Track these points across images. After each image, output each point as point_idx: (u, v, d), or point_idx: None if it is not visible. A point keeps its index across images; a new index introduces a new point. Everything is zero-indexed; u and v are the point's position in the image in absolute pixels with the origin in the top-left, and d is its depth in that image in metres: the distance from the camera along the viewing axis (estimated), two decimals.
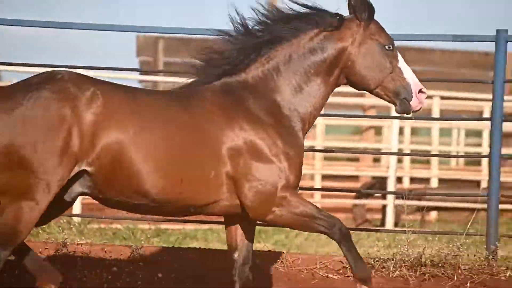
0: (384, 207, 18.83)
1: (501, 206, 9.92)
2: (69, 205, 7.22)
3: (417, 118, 20.71)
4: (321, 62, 7.47)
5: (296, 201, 7.21)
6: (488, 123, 9.95)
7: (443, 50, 24.46)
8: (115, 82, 7.43)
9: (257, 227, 12.92)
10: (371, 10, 7.42)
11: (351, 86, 7.67)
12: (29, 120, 6.87)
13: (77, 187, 6.99)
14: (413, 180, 20.86)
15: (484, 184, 18.26)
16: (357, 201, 19.81)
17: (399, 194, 16.18)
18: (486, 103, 18.69)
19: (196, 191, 7.18)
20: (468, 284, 8.89)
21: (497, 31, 9.68)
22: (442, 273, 9.07)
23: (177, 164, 7.14)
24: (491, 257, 9.41)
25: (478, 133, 24.42)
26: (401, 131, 19.94)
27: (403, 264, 9.20)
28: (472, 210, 17.28)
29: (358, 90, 7.70)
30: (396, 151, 18.37)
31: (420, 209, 17.98)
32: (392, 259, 9.33)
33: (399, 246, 9.56)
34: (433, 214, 19.38)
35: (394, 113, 7.99)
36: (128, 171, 7.01)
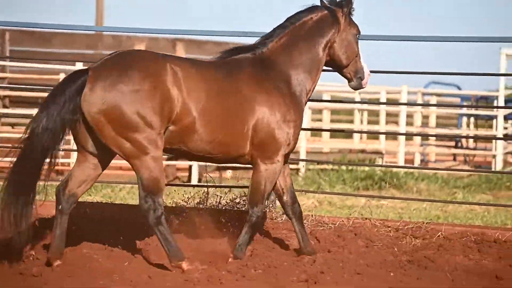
0: (190, 167, 18.97)
1: None
2: None
3: None
4: (321, 39, 7.73)
5: (279, 168, 7.46)
6: None
7: (234, 43, 24.68)
8: (177, 55, 7.42)
9: None
10: (352, 5, 7.79)
11: (327, 64, 7.89)
12: (129, 94, 6.82)
13: None
14: None
15: None
16: (168, 162, 19.89)
17: None
18: None
19: (237, 144, 7.32)
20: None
21: None
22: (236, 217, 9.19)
23: (228, 123, 7.24)
24: (271, 205, 9.64)
25: None
26: None
27: (205, 212, 9.32)
28: None
29: (332, 67, 7.95)
30: None
31: (218, 168, 18.28)
32: (195, 207, 9.42)
33: (200, 198, 9.72)
34: (229, 172, 19.61)
35: None
36: (195, 128, 7.09)
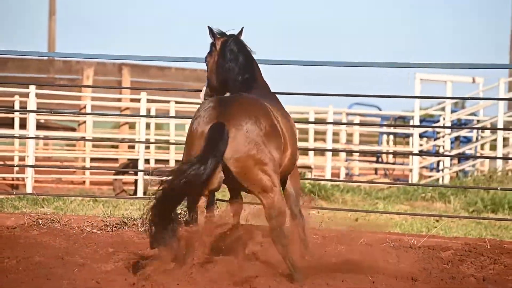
0: (136, 181, 18.85)
1: None
2: None
3: (158, 116, 20.78)
4: None
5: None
6: None
7: (176, 68, 24.71)
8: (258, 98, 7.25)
9: (41, 196, 12.74)
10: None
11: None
12: (265, 138, 6.78)
13: None
14: (157, 161, 20.95)
15: None
16: (116, 177, 19.75)
17: (146, 171, 16.32)
18: None
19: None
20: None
21: None
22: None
23: (293, 149, 7.24)
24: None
25: None
26: (148, 126, 20.00)
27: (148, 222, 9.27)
28: None
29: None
30: (144, 140, 18.42)
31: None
32: (141, 218, 9.43)
33: (145, 209, 9.65)
34: None
35: (142, 113, 8.11)
36: (286, 157, 7.11)
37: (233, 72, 7.65)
